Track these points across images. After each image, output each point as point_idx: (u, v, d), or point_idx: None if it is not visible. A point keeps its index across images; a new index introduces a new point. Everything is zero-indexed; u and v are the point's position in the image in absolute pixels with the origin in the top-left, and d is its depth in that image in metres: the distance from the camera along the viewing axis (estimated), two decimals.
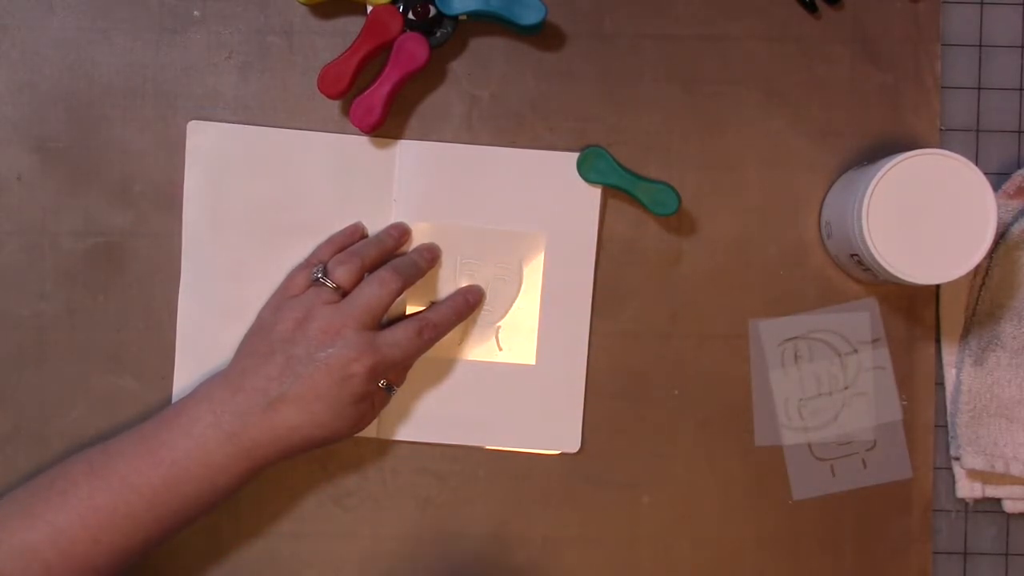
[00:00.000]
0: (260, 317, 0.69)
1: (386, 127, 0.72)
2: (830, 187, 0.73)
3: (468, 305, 0.71)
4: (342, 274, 0.68)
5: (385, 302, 0.67)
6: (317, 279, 0.68)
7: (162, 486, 0.64)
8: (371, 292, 0.67)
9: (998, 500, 0.73)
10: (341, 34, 0.73)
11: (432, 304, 0.72)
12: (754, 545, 0.73)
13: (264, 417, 0.64)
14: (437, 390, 0.73)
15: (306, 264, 0.71)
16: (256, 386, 0.65)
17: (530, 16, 0.69)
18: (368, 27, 0.70)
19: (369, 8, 0.70)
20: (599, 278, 0.73)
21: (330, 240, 0.72)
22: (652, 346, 0.73)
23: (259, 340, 0.67)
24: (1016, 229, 0.72)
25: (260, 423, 0.64)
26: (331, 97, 0.70)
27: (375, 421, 0.71)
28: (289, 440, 0.65)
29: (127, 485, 0.63)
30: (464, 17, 0.71)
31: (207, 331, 0.72)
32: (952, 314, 0.73)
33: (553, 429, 0.72)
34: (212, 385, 0.66)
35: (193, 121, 0.72)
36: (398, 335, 0.67)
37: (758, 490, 0.73)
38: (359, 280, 0.68)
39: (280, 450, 0.65)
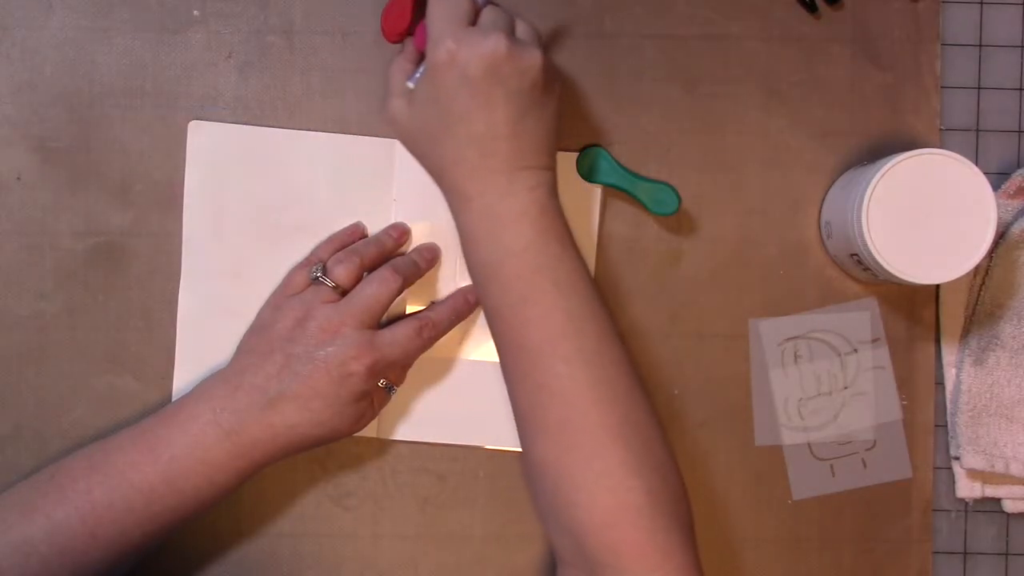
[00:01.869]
0: (260, 316, 0.69)
1: (386, 127, 0.72)
2: (830, 187, 0.73)
3: (468, 304, 0.71)
4: (341, 273, 0.68)
5: (384, 301, 0.67)
6: (316, 278, 0.68)
7: (160, 482, 0.64)
8: (371, 291, 0.67)
9: (998, 500, 0.73)
10: (341, 33, 0.73)
11: (432, 304, 0.72)
12: (754, 545, 0.73)
13: (263, 415, 0.65)
14: (437, 390, 0.73)
15: (305, 263, 0.71)
16: (255, 384, 0.65)
17: None
18: None
19: None
20: (599, 278, 0.73)
21: (330, 239, 0.72)
22: (652, 346, 0.73)
23: (258, 339, 0.67)
24: (1016, 229, 0.72)
25: (259, 421, 0.65)
26: (392, 39, 0.69)
27: (375, 421, 0.71)
28: (288, 438, 0.65)
29: (125, 481, 0.63)
30: None
31: (207, 331, 0.72)
32: (952, 314, 0.73)
33: None
34: (212, 383, 0.67)
35: (193, 121, 0.72)
36: (397, 334, 0.67)
37: (758, 490, 0.73)
38: (358, 279, 0.68)
39: (279, 448, 0.65)
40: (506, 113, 0.63)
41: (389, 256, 0.71)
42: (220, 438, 0.64)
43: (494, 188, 0.64)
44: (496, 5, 0.67)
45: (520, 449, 0.72)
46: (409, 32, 0.69)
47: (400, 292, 0.68)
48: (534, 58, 0.63)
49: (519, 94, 0.63)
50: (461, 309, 0.71)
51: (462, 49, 0.62)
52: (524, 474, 0.63)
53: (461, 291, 0.72)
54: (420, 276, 0.71)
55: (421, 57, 0.67)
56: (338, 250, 0.70)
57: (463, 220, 0.65)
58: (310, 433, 0.66)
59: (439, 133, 0.64)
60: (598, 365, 0.62)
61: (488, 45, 0.62)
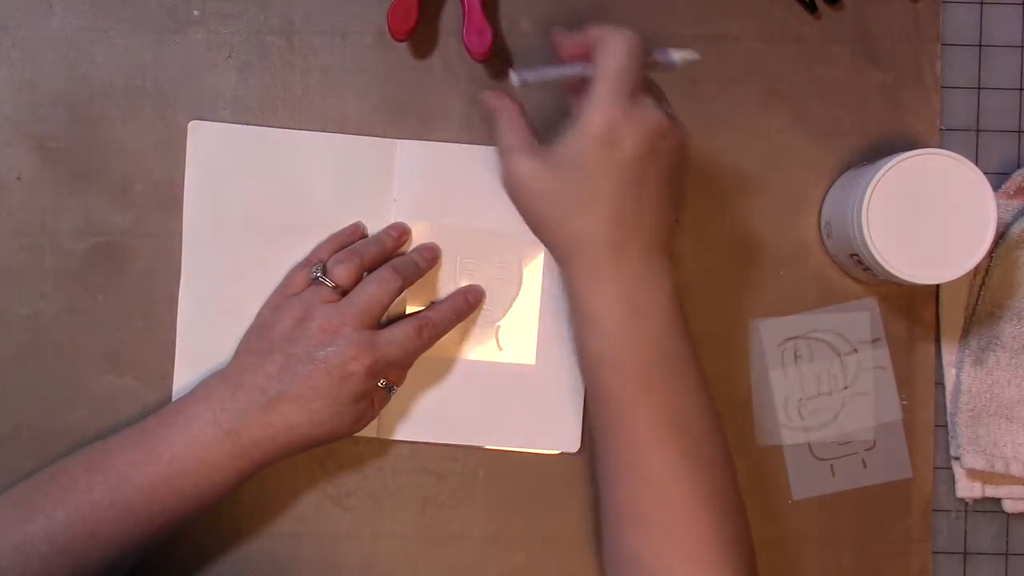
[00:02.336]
0: (259, 316, 0.69)
1: (386, 127, 0.72)
2: (830, 187, 0.73)
3: (468, 304, 0.71)
4: (341, 273, 0.68)
5: (384, 301, 0.67)
6: (316, 278, 0.68)
7: (160, 482, 0.64)
8: (371, 291, 0.67)
9: (998, 500, 0.73)
10: (341, 33, 0.73)
11: (432, 304, 0.72)
12: (754, 545, 0.73)
13: (262, 415, 0.65)
14: (437, 390, 0.73)
15: (305, 263, 0.71)
16: (255, 384, 0.65)
17: None
18: None
19: None
20: None
21: (330, 239, 0.72)
22: None
23: (258, 338, 0.67)
24: (1016, 229, 0.72)
25: (259, 421, 0.65)
26: (399, 37, 0.69)
27: (375, 421, 0.71)
28: (288, 438, 0.65)
29: (125, 480, 0.63)
30: None
31: (207, 331, 0.72)
32: (952, 314, 0.73)
33: (553, 429, 0.72)
34: (211, 383, 0.67)
35: (193, 121, 0.73)
36: (397, 334, 0.67)
37: (758, 490, 0.73)
38: (358, 279, 0.68)
39: (279, 448, 0.65)
40: (657, 192, 0.61)
41: (389, 256, 0.71)
42: (220, 438, 0.64)
43: (630, 271, 0.61)
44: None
45: (519, 449, 0.73)
46: (415, 30, 0.69)
47: (400, 292, 0.68)
48: (685, 136, 0.62)
49: (669, 173, 0.62)
50: (461, 309, 0.71)
51: (630, 122, 0.59)
52: (604, 560, 0.62)
53: (461, 291, 0.72)
54: (420, 276, 0.71)
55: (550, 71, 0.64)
56: (338, 250, 0.70)
57: (590, 299, 0.61)
58: (310, 433, 0.66)
59: (581, 204, 0.61)
60: (702, 463, 0.61)
61: (654, 122, 0.60)
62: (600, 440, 0.63)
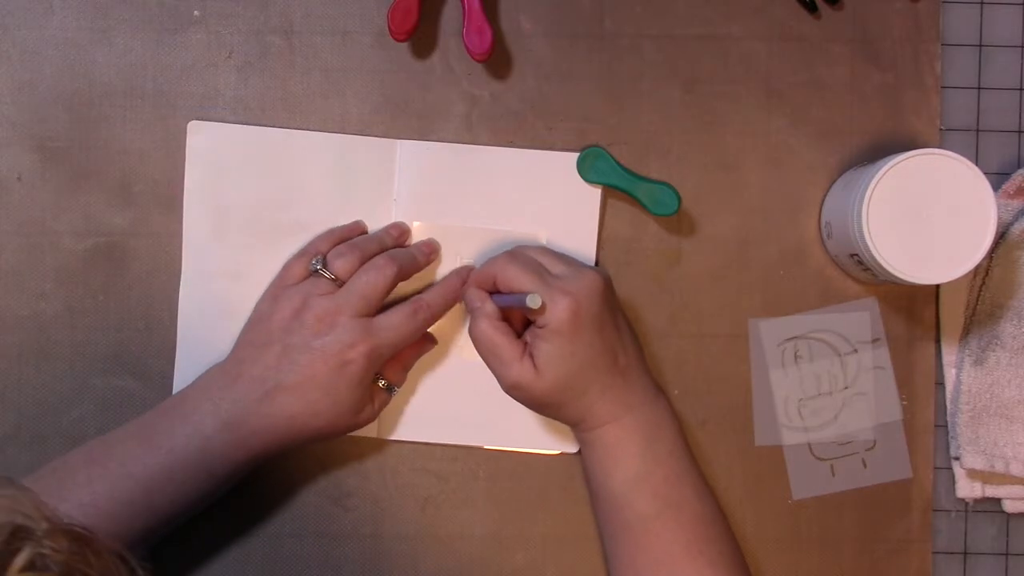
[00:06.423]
0: (258, 308, 0.69)
1: (386, 127, 0.72)
2: (830, 187, 0.73)
3: (462, 281, 0.70)
4: (342, 265, 0.68)
5: (381, 288, 0.67)
6: (316, 270, 0.68)
7: (159, 474, 0.64)
8: (367, 279, 0.67)
9: (998, 500, 0.73)
10: (341, 33, 0.73)
11: (427, 287, 0.71)
12: (754, 545, 0.73)
13: (261, 406, 0.65)
14: (437, 390, 0.73)
15: (303, 254, 0.70)
16: (254, 375, 0.65)
17: None
18: None
19: None
20: None
21: (329, 232, 0.71)
22: (652, 346, 0.73)
23: (256, 330, 0.67)
24: (1016, 229, 0.72)
25: (257, 412, 0.65)
26: (399, 38, 0.69)
27: (375, 421, 0.71)
28: (287, 429, 0.65)
29: (125, 473, 0.64)
30: None
31: (207, 331, 0.72)
32: (952, 314, 0.73)
33: (553, 429, 0.72)
34: (211, 375, 0.67)
35: (193, 121, 0.72)
36: (393, 318, 0.67)
37: (758, 490, 0.73)
38: None
39: (278, 439, 0.66)
40: (624, 326, 0.68)
41: None
42: (219, 429, 0.64)
43: (640, 397, 0.67)
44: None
45: (519, 449, 0.73)
46: (415, 30, 0.69)
47: (396, 280, 0.67)
48: (604, 272, 0.68)
49: (615, 302, 0.68)
50: (455, 287, 0.70)
51: (579, 297, 0.64)
52: None
53: (455, 272, 0.71)
54: (418, 269, 0.70)
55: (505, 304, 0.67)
56: (337, 243, 0.70)
57: (607, 436, 0.66)
58: (308, 424, 0.66)
59: (583, 383, 0.65)
60: (731, 570, 0.66)
61: (595, 280, 0.65)
62: (626, 564, 0.66)
